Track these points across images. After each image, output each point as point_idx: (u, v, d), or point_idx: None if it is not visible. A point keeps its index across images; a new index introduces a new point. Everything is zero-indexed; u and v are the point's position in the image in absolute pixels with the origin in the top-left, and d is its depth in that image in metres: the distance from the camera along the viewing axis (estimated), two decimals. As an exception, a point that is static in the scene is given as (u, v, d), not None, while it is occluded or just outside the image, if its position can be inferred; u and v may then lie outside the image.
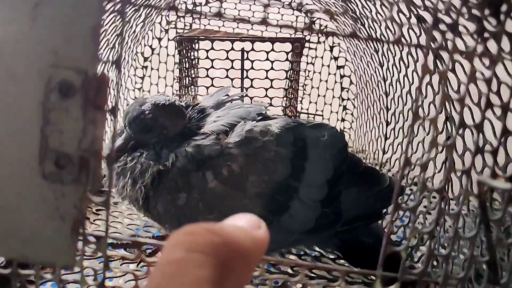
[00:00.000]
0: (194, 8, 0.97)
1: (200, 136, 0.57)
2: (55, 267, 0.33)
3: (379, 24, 0.67)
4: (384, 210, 0.66)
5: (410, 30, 0.57)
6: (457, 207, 0.33)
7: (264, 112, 0.62)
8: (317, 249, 0.67)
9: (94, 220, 0.67)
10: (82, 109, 0.29)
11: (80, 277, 0.33)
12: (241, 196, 0.56)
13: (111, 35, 0.61)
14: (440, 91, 0.38)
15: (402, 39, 0.59)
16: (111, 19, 0.59)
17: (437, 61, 0.54)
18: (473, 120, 0.32)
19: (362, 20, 0.73)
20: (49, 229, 0.31)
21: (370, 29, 0.72)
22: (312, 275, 0.59)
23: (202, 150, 0.56)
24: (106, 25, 0.58)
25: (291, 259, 0.62)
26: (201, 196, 0.55)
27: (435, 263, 0.53)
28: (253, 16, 0.98)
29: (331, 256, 0.66)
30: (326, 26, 1.00)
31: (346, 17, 0.81)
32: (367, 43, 0.81)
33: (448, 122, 0.55)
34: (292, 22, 0.99)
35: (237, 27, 0.99)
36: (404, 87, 0.69)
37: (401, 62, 0.67)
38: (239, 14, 0.96)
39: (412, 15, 0.53)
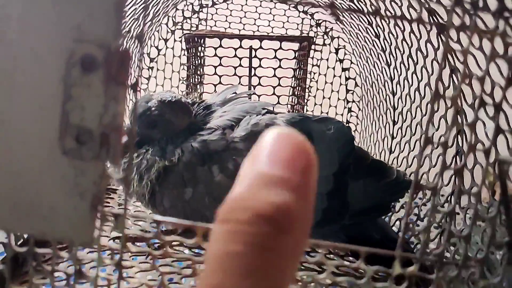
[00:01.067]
0: (201, 10, 0.97)
1: (206, 131, 0.58)
2: (74, 244, 0.32)
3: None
4: (392, 204, 0.66)
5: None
6: (476, 188, 0.33)
7: (270, 107, 0.62)
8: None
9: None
10: (104, 84, 0.29)
11: (97, 256, 0.33)
12: None
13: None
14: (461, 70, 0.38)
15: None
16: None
17: (448, 55, 0.54)
18: (493, 99, 0.33)
19: (369, 19, 0.74)
20: (68, 206, 0.31)
21: (378, 27, 0.73)
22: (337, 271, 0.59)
23: (208, 144, 0.56)
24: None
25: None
26: (207, 190, 0.55)
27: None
28: (259, 18, 0.99)
29: (340, 253, 0.66)
30: (331, 29, 1.01)
31: (352, 16, 0.82)
32: (374, 43, 0.81)
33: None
34: (298, 24, 1.00)
35: (243, 28, 1.00)
36: (412, 84, 0.69)
37: (409, 59, 0.68)
38: (245, 16, 0.97)
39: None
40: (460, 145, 0.56)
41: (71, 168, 0.30)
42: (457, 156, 0.56)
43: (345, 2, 0.75)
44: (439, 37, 0.54)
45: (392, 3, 0.61)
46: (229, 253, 0.17)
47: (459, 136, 0.55)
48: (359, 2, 0.69)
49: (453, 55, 0.53)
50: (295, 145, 0.20)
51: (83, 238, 0.31)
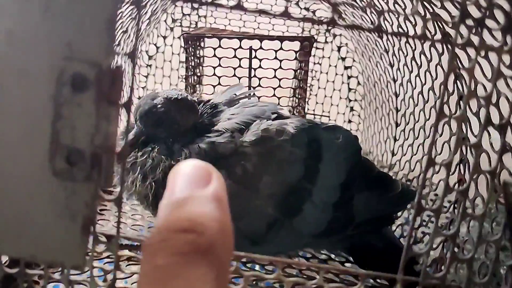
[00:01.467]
0: (200, 7, 0.96)
1: (214, 133, 0.56)
2: (65, 267, 0.31)
3: (396, 16, 0.66)
4: (396, 215, 0.66)
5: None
6: (478, 210, 0.32)
7: (278, 110, 0.61)
8: (324, 251, 0.66)
9: (98, 220, 0.65)
10: (95, 103, 0.28)
11: (89, 277, 0.32)
12: (254, 196, 0.54)
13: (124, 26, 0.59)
14: (466, 91, 0.36)
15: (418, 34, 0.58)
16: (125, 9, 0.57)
17: (458, 60, 0.53)
18: (501, 119, 0.31)
19: (372, 20, 0.72)
20: (59, 228, 0.30)
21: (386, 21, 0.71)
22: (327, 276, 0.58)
23: (216, 147, 0.54)
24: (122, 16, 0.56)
25: (310, 262, 0.61)
26: None
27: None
28: (259, 15, 0.97)
29: (338, 259, 0.65)
30: (333, 26, 0.99)
31: (354, 15, 0.80)
32: (377, 42, 0.80)
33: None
34: (299, 22, 0.98)
35: (244, 26, 0.98)
36: (415, 87, 0.68)
37: (413, 62, 0.66)
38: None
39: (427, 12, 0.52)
40: (464, 153, 0.55)
41: (61, 189, 0.29)
42: (461, 165, 0.55)
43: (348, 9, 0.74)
44: (443, 44, 0.53)
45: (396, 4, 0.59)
46: (153, 268, 0.19)
47: (463, 146, 0.54)
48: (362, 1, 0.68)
49: (458, 61, 0.52)
50: (195, 167, 0.23)
51: (75, 261, 0.30)
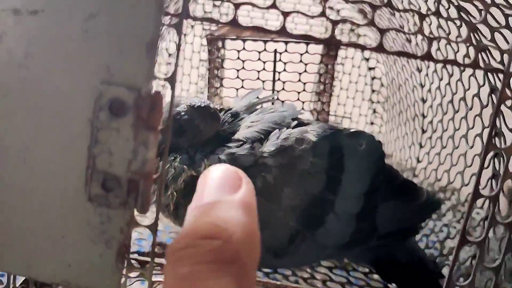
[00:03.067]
0: (221, 4, 0.94)
1: (234, 143, 0.55)
2: (99, 294, 0.31)
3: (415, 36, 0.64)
4: (421, 225, 0.64)
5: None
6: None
7: (298, 116, 0.59)
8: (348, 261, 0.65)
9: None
10: (133, 129, 0.27)
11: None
12: (275, 208, 0.53)
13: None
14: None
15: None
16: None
17: (488, 74, 0.51)
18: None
19: (401, 24, 0.70)
20: (93, 253, 0.29)
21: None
22: None
23: (236, 159, 0.53)
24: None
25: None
26: None
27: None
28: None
29: (363, 270, 0.64)
30: (358, 26, 0.98)
31: (381, 17, 0.79)
32: (403, 46, 0.78)
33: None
34: (322, 21, 0.97)
35: (266, 24, 0.97)
36: (445, 96, 0.66)
37: (443, 70, 0.64)
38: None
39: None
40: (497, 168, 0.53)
41: (97, 214, 0.29)
42: (493, 180, 0.54)
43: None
44: (480, 54, 0.51)
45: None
46: (176, 277, 0.19)
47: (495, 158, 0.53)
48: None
49: (494, 75, 0.50)
50: (225, 172, 0.23)
51: (108, 287, 0.30)
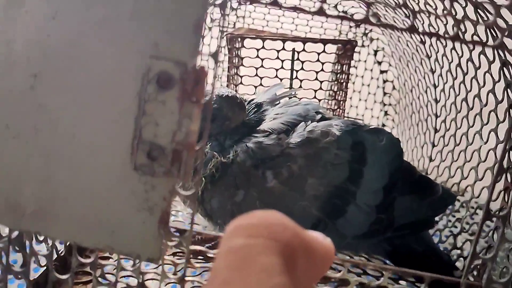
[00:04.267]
0: (239, 7, 0.97)
1: (260, 133, 0.57)
2: (141, 259, 0.32)
3: (444, 22, 0.66)
4: (436, 219, 0.66)
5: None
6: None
7: (320, 110, 0.62)
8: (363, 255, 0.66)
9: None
10: (179, 102, 0.29)
11: (159, 271, 0.33)
12: (299, 198, 0.55)
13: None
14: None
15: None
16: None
17: (504, 69, 0.53)
18: None
19: (416, 13, 0.72)
20: (136, 221, 0.31)
21: (425, 25, 0.71)
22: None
23: (264, 148, 0.55)
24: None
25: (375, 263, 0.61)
26: (259, 194, 0.55)
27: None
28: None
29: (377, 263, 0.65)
30: (370, 30, 1.00)
31: (395, 20, 0.81)
32: (418, 48, 0.80)
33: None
34: (337, 24, 0.99)
35: (281, 27, 0.99)
36: (459, 94, 0.68)
37: (458, 68, 0.66)
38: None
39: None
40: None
41: (141, 183, 0.30)
42: (508, 173, 0.55)
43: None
44: (496, 50, 0.53)
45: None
46: (231, 248, 0.19)
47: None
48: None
49: (510, 67, 0.52)
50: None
51: (150, 253, 0.31)
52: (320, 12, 0.31)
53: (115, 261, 0.33)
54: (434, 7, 0.61)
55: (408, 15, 0.71)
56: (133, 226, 0.31)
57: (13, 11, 0.30)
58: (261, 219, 0.21)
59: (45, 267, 0.40)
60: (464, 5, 0.52)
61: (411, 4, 0.64)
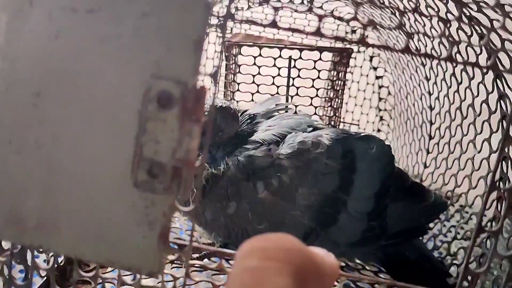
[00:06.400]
0: (236, 13, 0.97)
1: (251, 144, 0.57)
2: (141, 274, 0.33)
3: (431, 39, 0.67)
4: (429, 226, 0.67)
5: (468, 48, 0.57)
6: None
7: (314, 124, 0.62)
8: (358, 261, 0.67)
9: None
10: (179, 120, 0.29)
11: (159, 284, 0.34)
12: (290, 208, 0.56)
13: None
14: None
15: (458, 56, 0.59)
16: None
17: (497, 80, 0.54)
18: None
19: (411, 34, 0.73)
20: (137, 235, 0.31)
21: (420, 42, 0.72)
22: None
23: (254, 160, 0.56)
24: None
25: (370, 276, 0.62)
26: (251, 206, 0.55)
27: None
28: (294, 22, 0.99)
29: (373, 269, 0.66)
30: (367, 36, 1.00)
31: (391, 28, 0.81)
32: (413, 56, 0.80)
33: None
34: (333, 30, 1.00)
35: (278, 33, 1.00)
36: (453, 103, 0.69)
37: (452, 78, 0.67)
38: (280, 21, 0.97)
39: (474, 32, 0.53)
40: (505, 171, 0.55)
41: (141, 199, 0.31)
42: (501, 182, 0.56)
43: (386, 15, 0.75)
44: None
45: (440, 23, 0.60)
46: (245, 269, 0.20)
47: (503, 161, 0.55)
48: (403, 17, 0.69)
49: (503, 79, 0.53)
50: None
51: (151, 267, 0.32)
52: (317, 33, 0.31)
53: (112, 270, 0.34)
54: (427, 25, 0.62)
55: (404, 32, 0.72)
56: (133, 240, 0.31)
57: (17, 30, 0.31)
58: (276, 242, 0.21)
59: (45, 278, 0.41)
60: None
61: (405, 27, 0.65)
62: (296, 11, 0.54)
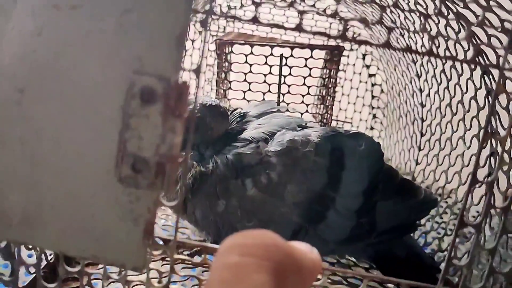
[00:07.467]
0: (228, 12, 0.97)
1: (240, 142, 0.58)
2: (126, 269, 0.33)
3: (421, 36, 0.67)
4: (419, 222, 0.67)
5: (457, 45, 0.57)
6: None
7: (304, 124, 0.62)
8: (351, 258, 0.67)
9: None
10: (162, 116, 0.30)
11: (145, 278, 0.34)
12: (279, 205, 0.56)
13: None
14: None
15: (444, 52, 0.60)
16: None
17: (485, 77, 0.54)
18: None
19: (401, 31, 0.73)
20: (121, 231, 0.31)
21: (410, 39, 0.73)
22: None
23: (243, 158, 0.56)
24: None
25: (353, 271, 0.62)
26: (240, 203, 0.55)
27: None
28: (287, 21, 0.99)
29: (364, 266, 0.66)
30: (359, 34, 1.01)
31: (383, 26, 0.82)
32: (404, 53, 0.81)
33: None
34: (325, 28, 1.00)
35: (271, 31, 1.00)
36: (443, 99, 0.69)
37: (442, 74, 0.67)
38: (273, 19, 0.97)
39: (462, 29, 0.53)
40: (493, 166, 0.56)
41: (126, 194, 0.31)
42: (489, 177, 0.56)
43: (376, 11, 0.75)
44: (477, 58, 0.54)
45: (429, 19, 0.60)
46: (225, 265, 0.20)
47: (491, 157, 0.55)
48: (392, 14, 0.69)
49: (490, 76, 0.53)
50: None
51: (135, 262, 0.32)
52: (298, 28, 0.32)
53: (99, 269, 0.34)
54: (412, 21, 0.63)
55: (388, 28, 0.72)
56: (118, 235, 0.32)
57: (0, 28, 0.31)
58: (256, 239, 0.21)
59: (33, 275, 0.41)
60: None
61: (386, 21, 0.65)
62: (281, 7, 0.54)
